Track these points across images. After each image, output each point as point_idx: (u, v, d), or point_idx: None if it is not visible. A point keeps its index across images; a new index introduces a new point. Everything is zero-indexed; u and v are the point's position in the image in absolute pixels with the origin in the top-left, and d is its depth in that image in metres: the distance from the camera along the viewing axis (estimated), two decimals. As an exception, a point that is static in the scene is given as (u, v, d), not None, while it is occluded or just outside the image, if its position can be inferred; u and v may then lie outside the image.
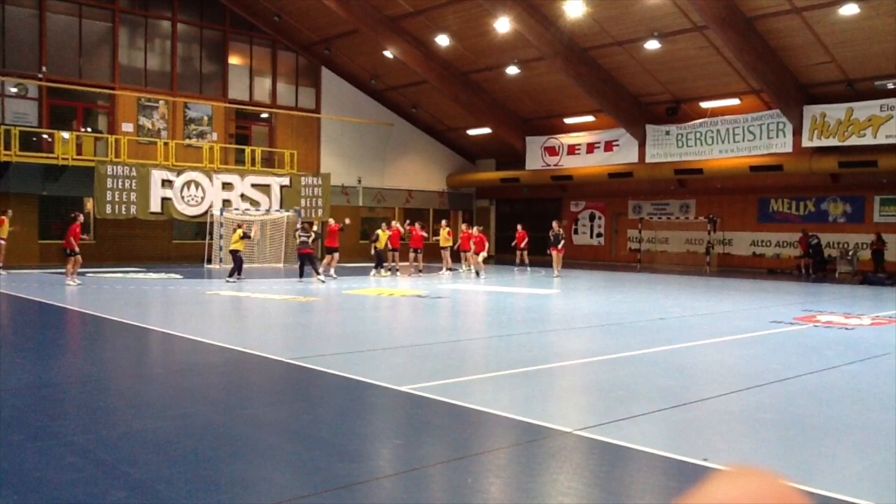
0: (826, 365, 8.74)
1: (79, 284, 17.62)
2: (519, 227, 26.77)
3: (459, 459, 5.11)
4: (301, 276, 20.42)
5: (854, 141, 23.43)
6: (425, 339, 10.61)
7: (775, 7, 20.94)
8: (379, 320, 13.62)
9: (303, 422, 6.11)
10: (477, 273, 23.04)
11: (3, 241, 20.54)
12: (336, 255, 21.29)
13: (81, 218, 19.25)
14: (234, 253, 20.01)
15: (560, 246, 23.62)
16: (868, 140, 23.15)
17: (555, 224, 24.44)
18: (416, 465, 5.03)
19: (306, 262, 20.48)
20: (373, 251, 23.01)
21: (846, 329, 11.99)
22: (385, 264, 22.96)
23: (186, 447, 5.27)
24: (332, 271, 20.92)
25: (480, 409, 6.34)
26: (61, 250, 19.57)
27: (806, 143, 24.37)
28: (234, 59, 30.74)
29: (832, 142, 23.88)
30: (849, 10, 19.87)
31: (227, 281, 19.26)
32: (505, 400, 6.80)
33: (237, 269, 19.72)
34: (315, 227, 21.86)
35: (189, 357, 9.15)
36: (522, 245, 26.10)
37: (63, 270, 19.39)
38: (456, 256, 25.39)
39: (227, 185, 27.40)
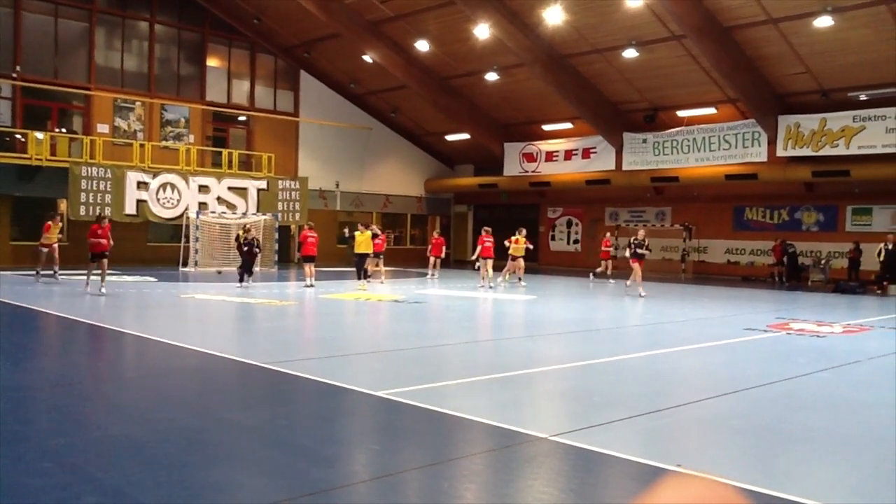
0: (798, 372, 8.84)
1: (49, 280, 17.57)
2: (436, 233, 25.56)
3: (436, 465, 5.12)
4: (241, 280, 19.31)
5: (827, 151, 23.77)
6: (403, 344, 10.61)
7: (752, 17, 21.20)
8: (356, 325, 13.59)
9: (279, 426, 6.08)
10: (516, 280, 22.19)
11: (53, 246, 19.68)
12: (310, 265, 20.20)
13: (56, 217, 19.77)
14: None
15: (643, 257, 19.65)
16: (841, 150, 23.49)
17: (641, 232, 20.18)
18: (393, 470, 5.03)
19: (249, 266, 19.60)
20: (355, 259, 20.41)
21: (818, 337, 12.15)
22: (370, 274, 20.86)
23: (161, 452, 5.23)
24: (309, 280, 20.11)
25: (457, 414, 6.35)
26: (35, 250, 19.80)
27: (780, 152, 24.68)
28: (212, 61, 30.57)
29: (806, 151, 24.21)
30: (824, 22, 20.16)
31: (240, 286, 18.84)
32: (481, 405, 6.81)
33: (247, 273, 19.39)
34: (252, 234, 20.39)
35: (164, 361, 9.08)
36: (439, 253, 24.51)
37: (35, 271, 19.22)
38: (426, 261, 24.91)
39: (203, 188, 27.21)
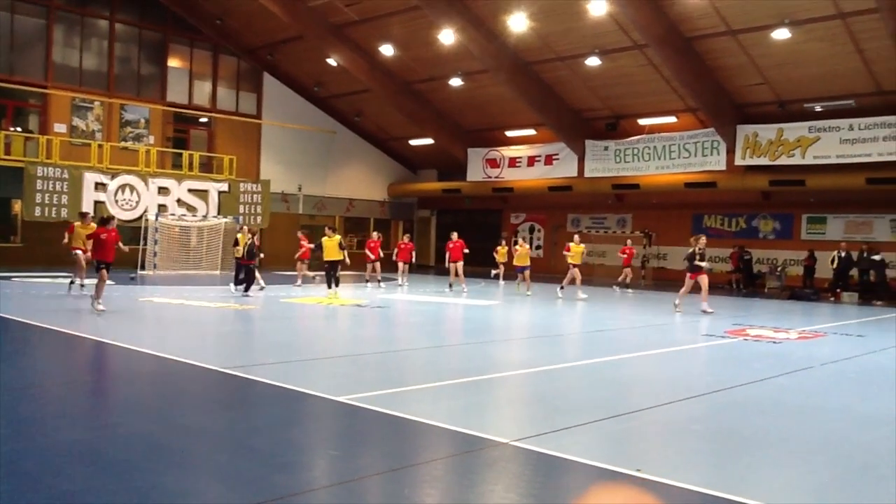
0: (755, 377, 8.98)
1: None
2: (406, 238, 24.77)
3: (396, 470, 5.09)
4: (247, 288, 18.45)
5: (784, 160, 24.27)
6: (364, 349, 10.55)
7: (712, 28, 21.57)
8: (317, 330, 13.48)
9: (238, 432, 6.00)
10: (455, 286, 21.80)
11: (80, 252, 16.73)
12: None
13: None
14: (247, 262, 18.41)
15: (699, 269, 16.94)
16: (797, 160, 24.00)
17: (703, 240, 17.31)
18: (353, 476, 4.99)
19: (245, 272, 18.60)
20: (326, 265, 19.12)
21: (774, 342, 12.36)
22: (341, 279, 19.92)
23: (116, 457, 5.12)
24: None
25: (418, 419, 6.32)
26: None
27: (739, 161, 25.13)
28: (173, 62, 30.19)
29: (763, 161, 24.68)
30: (781, 35, 20.59)
31: (246, 294, 18.04)
32: (443, 410, 6.80)
33: (249, 282, 18.40)
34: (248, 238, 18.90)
35: (120, 365, 8.91)
36: (407, 258, 23.41)
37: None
38: (394, 267, 23.87)
39: (163, 190, 26.85)
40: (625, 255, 24.36)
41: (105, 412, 6.54)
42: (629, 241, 26.18)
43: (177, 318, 13.97)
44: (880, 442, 6.31)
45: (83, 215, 18.12)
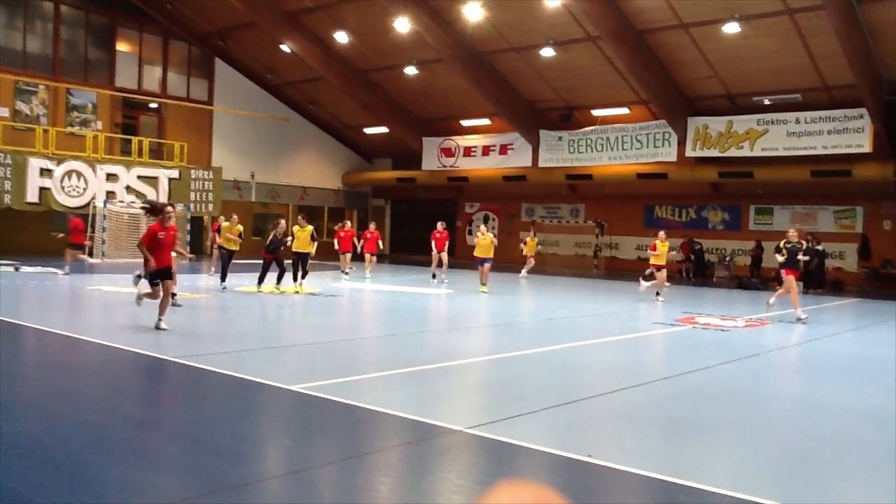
0: (704, 364, 9.17)
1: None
2: (372, 226, 23.64)
3: (349, 459, 5.09)
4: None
5: (733, 152, 24.72)
6: (318, 338, 10.49)
7: (664, 22, 21.83)
8: (270, 319, 13.37)
9: (187, 423, 5.93)
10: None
11: (221, 250, 17.56)
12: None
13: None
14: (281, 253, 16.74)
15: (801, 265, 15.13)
16: (746, 152, 24.48)
17: (795, 233, 15.15)
18: (306, 465, 4.97)
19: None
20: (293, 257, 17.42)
21: (722, 331, 12.62)
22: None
23: (61, 451, 5.01)
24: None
25: (372, 408, 6.32)
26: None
27: (689, 153, 25.53)
28: (122, 46, 29.50)
29: (713, 153, 25.11)
30: (731, 29, 20.93)
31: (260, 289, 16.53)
32: (397, 399, 6.80)
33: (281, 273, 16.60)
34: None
35: (66, 355, 8.72)
36: (373, 249, 22.35)
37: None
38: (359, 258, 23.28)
39: (111, 177, 26.28)
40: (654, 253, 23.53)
41: (50, 404, 6.39)
42: (662, 233, 24.52)
43: (126, 308, 13.69)
44: (822, 426, 6.51)
45: (229, 216, 18.34)
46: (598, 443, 5.74)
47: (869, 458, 5.58)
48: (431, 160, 32.52)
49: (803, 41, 20.91)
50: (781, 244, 14.87)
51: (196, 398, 6.88)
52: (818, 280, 23.11)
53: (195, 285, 17.74)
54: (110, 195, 25.97)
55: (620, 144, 27.19)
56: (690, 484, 4.68)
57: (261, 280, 16.78)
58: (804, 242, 15.51)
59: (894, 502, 4.65)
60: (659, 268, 18.06)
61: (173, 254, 11.04)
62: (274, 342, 10.13)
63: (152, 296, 10.55)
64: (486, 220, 34.00)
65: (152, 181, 27.25)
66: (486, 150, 31.06)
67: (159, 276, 10.44)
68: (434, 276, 21.03)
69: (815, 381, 8.64)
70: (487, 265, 19.05)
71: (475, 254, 19.59)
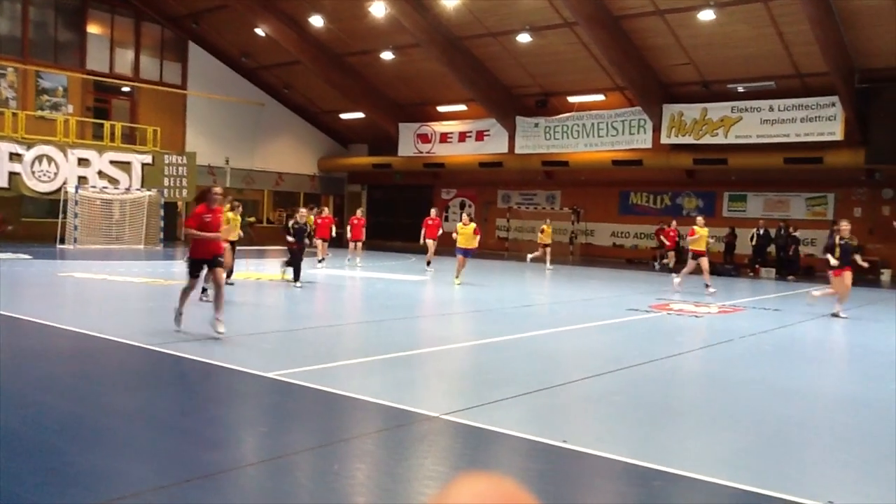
0: (677, 350, 9.27)
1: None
2: (359, 212, 22.69)
3: (326, 446, 5.09)
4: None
5: (708, 139, 24.91)
6: (294, 325, 10.46)
7: (640, 8, 21.87)
8: (247, 305, 13.28)
9: (163, 410, 5.89)
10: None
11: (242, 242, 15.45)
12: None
13: None
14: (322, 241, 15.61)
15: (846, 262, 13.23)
16: (720, 139, 24.67)
17: (847, 226, 13.48)
18: (282, 452, 4.97)
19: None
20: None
21: (696, 317, 12.76)
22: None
23: (34, 439, 4.96)
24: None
25: (349, 394, 6.32)
26: None
27: (664, 139, 25.68)
28: (93, 28, 29.02)
29: (688, 139, 25.28)
30: (706, 16, 21.03)
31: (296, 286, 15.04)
32: (374, 385, 6.81)
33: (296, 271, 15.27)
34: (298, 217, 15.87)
35: (38, 342, 8.61)
36: (360, 236, 21.54)
37: None
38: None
39: (83, 161, 25.92)
40: (669, 241, 23.21)
41: (22, 391, 6.31)
42: (674, 223, 23.72)
43: (100, 294, 13.56)
44: (793, 411, 6.61)
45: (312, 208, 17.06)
46: (574, 428, 5.79)
47: (841, 443, 5.68)
48: (408, 146, 32.42)
49: (777, 28, 21.07)
50: (836, 241, 13.09)
51: (171, 385, 6.84)
52: (792, 267, 23.39)
53: (170, 272, 17.60)
54: (82, 180, 25.63)
55: (596, 131, 27.27)
56: (665, 468, 4.74)
57: (297, 274, 15.21)
58: (855, 237, 13.96)
59: (865, 485, 4.74)
60: (699, 254, 16.84)
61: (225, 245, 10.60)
62: (249, 329, 10.07)
63: (187, 291, 9.28)
64: (462, 207, 34.01)
65: (125, 166, 26.92)
66: (463, 137, 31.02)
67: (206, 264, 9.06)
68: (429, 263, 20.21)
69: (787, 367, 8.77)
70: (463, 257, 17.20)
71: (458, 244, 17.46)
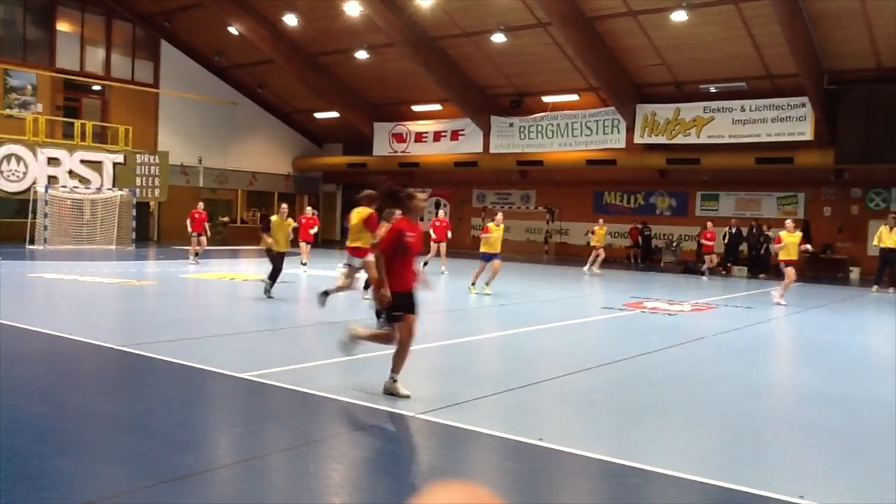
0: (651, 348, 9.34)
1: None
2: (309, 210, 21.04)
3: (301, 446, 5.07)
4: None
5: (680, 139, 25.14)
6: (268, 325, 10.40)
7: (613, 9, 22.02)
8: (220, 306, 13.19)
9: (136, 412, 5.83)
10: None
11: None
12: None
13: None
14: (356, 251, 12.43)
15: None
16: (692, 139, 24.90)
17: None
18: (257, 453, 4.94)
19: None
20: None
21: (669, 315, 12.87)
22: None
23: (4, 443, 4.88)
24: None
25: (323, 394, 6.30)
26: None
27: (637, 139, 25.87)
28: (62, 26, 28.64)
29: (661, 139, 25.50)
30: (679, 17, 21.22)
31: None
32: (348, 385, 6.79)
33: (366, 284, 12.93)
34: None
35: (8, 345, 8.48)
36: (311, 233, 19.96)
37: None
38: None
39: (53, 161, 25.57)
40: (707, 242, 22.17)
41: (-8, 394, 6.21)
42: (709, 224, 22.67)
43: (70, 295, 13.39)
44: (764, 408, 6.70)
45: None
46: (549, 426, 5.82)
47: (811, 438, 5.76)
48: (383, 145, 32.36)
49: (748, 30, 21.31)
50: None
51: (143, 387, 6.77)
52: (763, 265, 23.68)
53: (142, 272, 17.42)
54: (52, 180, 25.29)
55: (570, 131, 27.41)
56: (639, 465, 4.78)
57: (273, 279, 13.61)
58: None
59: (834, 480, 4.81)
60: (788, 263, 14.74)
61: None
62: (222, 329, 10.00)
63: (384, 339, 6.60)
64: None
65: (96, 166, 26.61)
66: (438, 136, 31.02)
67: (403, 306, 6.39)
68: (426, 263, 18.83)
69: (758, 364, 8.87)
70: (497, 261, 15.05)
71: (483, 248, 15.24)
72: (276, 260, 13.26)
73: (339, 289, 9.83)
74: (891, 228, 18.91)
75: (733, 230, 24.63)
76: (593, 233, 22.36)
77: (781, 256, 14.97)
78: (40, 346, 8.34)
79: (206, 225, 20.60)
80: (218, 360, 7.56)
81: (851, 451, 5.47)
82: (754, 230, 24.51)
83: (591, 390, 7.06)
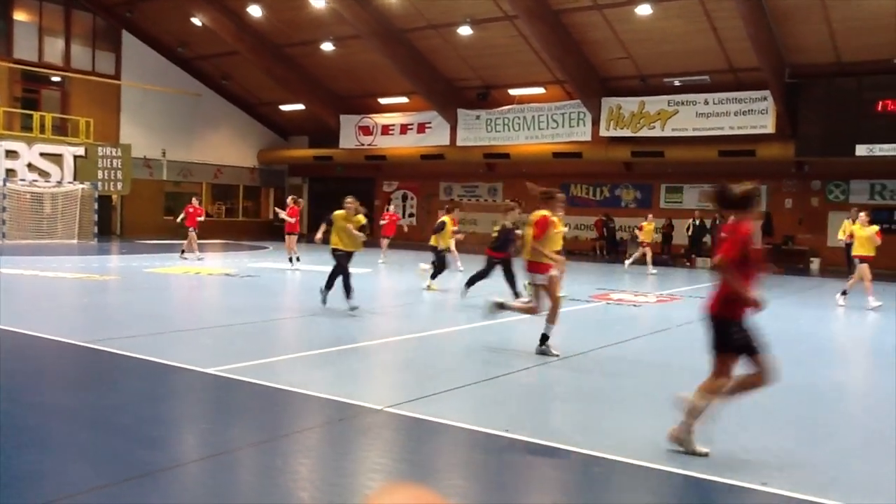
0: (616, 339, 9.45)
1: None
2: (291, 199, 20.39)
3: (269, 441, 5.05)
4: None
5: (645, 132, 25.38)
6: (234, 319, 10.32)
7: (579, 2, 22.13)
8: (184, 300, 13.07)
9: (100, 408, 5.76)
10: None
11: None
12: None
13: None
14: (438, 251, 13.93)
15: None
16: (657, 132, 25.16)
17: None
18: (224, 448, 4.92)
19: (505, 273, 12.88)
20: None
21: (635, 306, 13.02)
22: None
23: (-36, 440, 4.81)
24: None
25: (290, 389, 6.28)
26: None
27: (603, 132, 26.06)
28: (19, 16, 28.04)
29: (626, 132, 25.72)
30: (644, 11, 21.40)
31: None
32: (315, 379, 6.78)
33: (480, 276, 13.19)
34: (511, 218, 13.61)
35: (-34, 341, 8.32)
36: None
37: None
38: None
39: (11, 154, 25.09)
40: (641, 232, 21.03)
41: (-50, 392, 6.10)
42: (650, 216, 21.92)
43: (31, 291, 13.15)
44: (727, 397, 6.80)
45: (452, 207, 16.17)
46: (515, 418, 5.86)
47: (773, 427, 5.88)
48: (349, 138, 32.21)
49: (711, 24, 21.56)
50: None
51: (107, 383, 6.69)
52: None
53: (105, 266, 17.17)
54: (10, 173, 24.81)
55: (537, 124, 27.53)
56: (604, 455, 4.84)
57: (472, 281, 13.35)
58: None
59: (796, 468, 4.92)
60: (863, 259, 13.24)
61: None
62: (187, 324, 9.91)
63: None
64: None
65: (56, 159, 26.17)
66: (404, 129, 30.96)
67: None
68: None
69: (720, 354, 9.00)
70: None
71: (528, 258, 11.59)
72: (340, 260, 11.33)
73: (524, 310, 8.74)
74: (853, 222, 19.26)
75: (697, 222, 24.94)
76: (640, 228, 20.56)
77: (856, 252, 13.38)
78: (0, 342, 8.19)
79: (199, 220, 20.43)
80: (183, 355, 7.50)
81: (812, 438, 5.60)
82: (717, 222, 24.83)
83: (558, 382, 7.13)
